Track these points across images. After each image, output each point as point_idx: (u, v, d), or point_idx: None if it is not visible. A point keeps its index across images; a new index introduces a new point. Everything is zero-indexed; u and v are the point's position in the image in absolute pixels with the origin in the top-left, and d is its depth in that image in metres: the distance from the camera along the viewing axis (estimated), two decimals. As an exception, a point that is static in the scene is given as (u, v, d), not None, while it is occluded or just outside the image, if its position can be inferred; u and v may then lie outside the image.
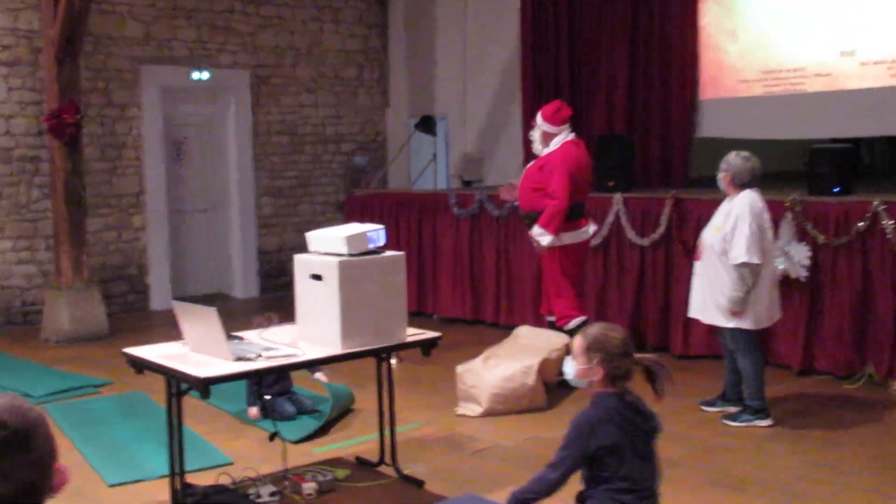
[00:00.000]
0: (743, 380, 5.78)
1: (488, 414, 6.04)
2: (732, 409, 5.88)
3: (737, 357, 5.80)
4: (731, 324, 5.67)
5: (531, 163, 6.83)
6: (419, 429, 5.87)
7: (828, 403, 6.20)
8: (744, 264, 5.53)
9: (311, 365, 5.06)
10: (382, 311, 4.60)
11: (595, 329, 3.35)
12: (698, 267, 5.91)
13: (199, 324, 4.36)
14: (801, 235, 6.75)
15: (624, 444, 3.18)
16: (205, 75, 10.54)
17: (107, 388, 7.05)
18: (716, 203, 7.14)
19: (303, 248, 4.85)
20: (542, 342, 6.50)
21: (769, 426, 5.70)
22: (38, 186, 9.56)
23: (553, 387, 6.42)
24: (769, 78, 8.45)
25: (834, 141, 7.74)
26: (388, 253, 4.73)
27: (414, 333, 4.83)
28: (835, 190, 6.96)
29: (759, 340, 5.93)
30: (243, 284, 11.14)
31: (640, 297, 7.81)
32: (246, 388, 6.04)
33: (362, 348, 4.56)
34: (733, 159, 5.75)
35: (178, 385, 4.30)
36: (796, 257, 6.72)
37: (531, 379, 6.11)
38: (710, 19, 8.86)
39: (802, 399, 6.32)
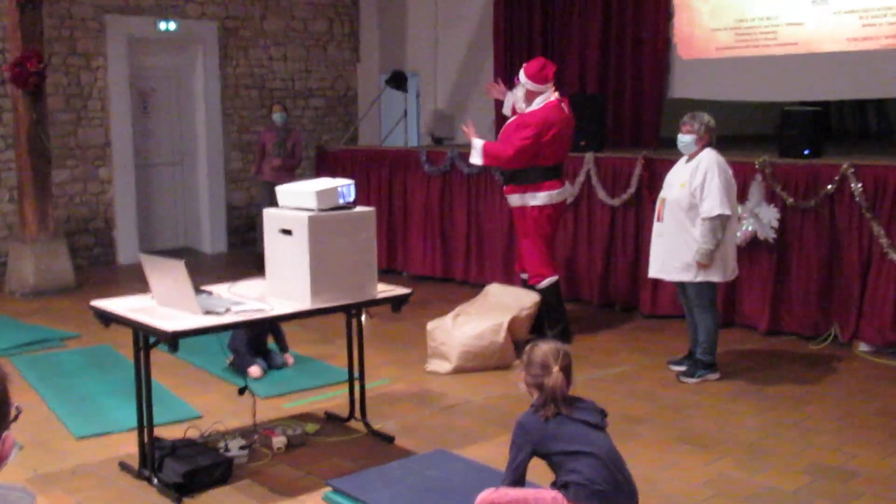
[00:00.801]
0: (700, 334, 5.83)
1: (458, 371, 6.04)
2: (683, 368, 5.94)
3: (696, 312, 5.85)
4: (699, 278, 5.71)
5: (509, 119, 6.68)
6: (389, 385, 5.86)
7: (794, 363, 6.26)
8: (717, 216, 5.56)
9: (280, 320, 5.02)
10: (352, 267, 4.56)
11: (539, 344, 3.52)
12: (657, 227, 5.92)
13: (167, 277, 4.29)
14: (770, 197, 6.78)
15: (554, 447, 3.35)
16: (172, 26, 10.33)
17: (73, 341, 6.97)
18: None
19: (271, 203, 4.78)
20: (511, 300, 6.50)
21: (718, 379, 5.82)
22: (1, 137, 9.36)
23: (522, 345, 6.41)
24: (741, 28, 8.40)
25: (804, 104, 7.75)
26: (359, 208, 4.68)
27: (384, 290, 4.79)
28: (805, 152, 6.98)
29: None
30: (211, 239, 11.03)
31: (609, 256, 7.83)
32: (231, 344, 5.96)
33: (332, 304, 4.52)
34: (707, 119, 5.77)
35: (145, 339, 4.24)
36: (765, 219, 6.75)
37: (501, 337, 6.11)
38: (684, -22, 8.80)
39: (768, 359, 6.38)
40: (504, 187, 6.80)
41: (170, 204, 10.95)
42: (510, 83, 9.94)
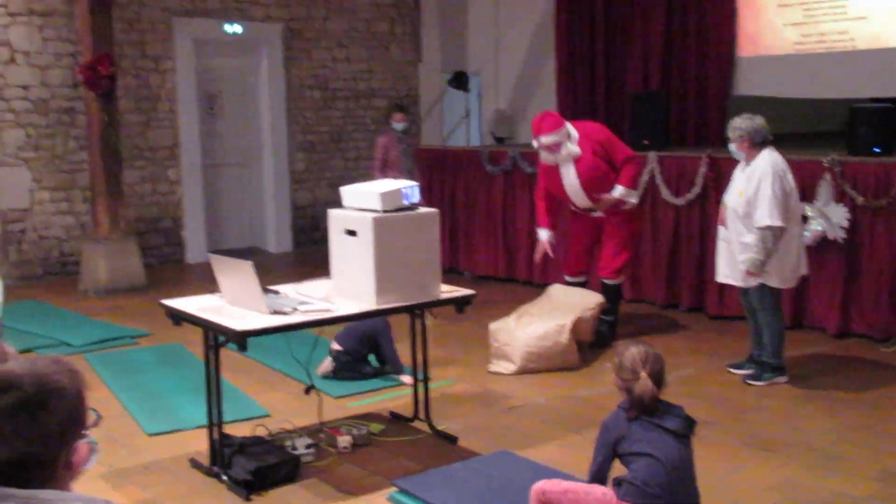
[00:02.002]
0: (765, 338, 5.75)
1: (521, 372, 6.03)
2: (751, 371, 5.84)
3: (759, 316, 5.76)
4: (756, 282, 5.62)
5: (566, 169, 6.49)
6: (452, 385, 5.87)
7: (864, 366, 6.12)
8: (767, 227, 5.45)
9: (345, 320, 5.05)
10: (416, 268, 4.58)
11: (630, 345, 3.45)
12: (722, 232, 5.84)
13: (236, 277, 4.36)
14: (840, 196, 6.63)
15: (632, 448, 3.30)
16: (237, 28, 10.48)
17: (145, 339, 7.12)
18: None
19: (336, 203, 4.83)
20: (575, 301, 6.47)
21: (786, 382, 5.72)
22: (74, 138, 9.60)
23: (586, 346, 6.40)
24: (808, 23, 8.21)
25: (873, 100, 7.57)
26: (422, 209, 4.70)
27: (448, 290, 4.81)
28: (875, 150, 6.82)
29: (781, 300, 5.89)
30: (277, 239, 11.16)
31: (674, 257, 7.73)
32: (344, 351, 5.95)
33: (397, 304, 4.55)
34: (740, 123, 5.67)
35: (215, 337, 4.31)
36: (834, 218, 6.61)
37: (564, 338, 6.09)
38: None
39: (838, 362, 6.24)
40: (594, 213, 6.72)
41: (236, 204, 11.10)
42: (571, 85, 9.94)
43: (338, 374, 5.88)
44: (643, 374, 3.26)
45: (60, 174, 9.56)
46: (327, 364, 5.92)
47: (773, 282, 5.62)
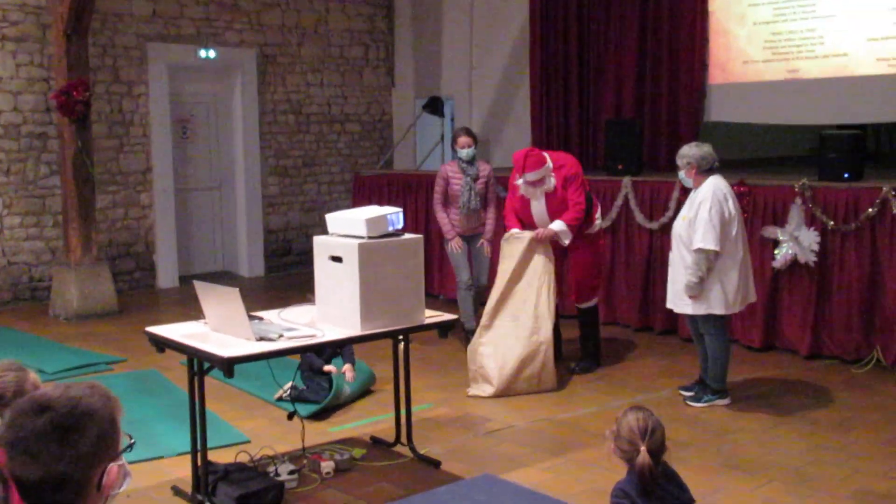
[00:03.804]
0: (709, 361, 5.89)
1: (500, 395, 6.10)
2: (692, 393, 5.98)
3: (706, 340, 5.90)
4: (699, 311, 5.76)
5: (536, 203, 6.53)
6: (433, 409, 5.93)
7: (836, 388, 6.26)
8: (699, 250, 5.60)
9: (334, 346, 5.10)
10: (401, 293, 4.65)
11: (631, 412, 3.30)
12: (670, 257, 5.98)
13: (221, 304, 4.40)
14: (811, 220, 6.80)
15: None
16: (212, 54, 10.52)
17: (119, 365, 7.10)
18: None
19: (308, 227, 4.89)
20: (535, 266, 6.40)
21: (728, 404, 5.85)
22: (45, 163, 9.57)
23: (565, 369, 6.51)
24: (777, 51, 8.42)
25: (841, 127, 7.77)
26: (407, 235, 4.77)
27: (431, 315, 4.88)
28: (845, 176, 6.99)
29: (728, 324, 6.00)
30: (249, 263, 11.17)
31: (648, 280, 7.86)
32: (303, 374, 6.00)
33: (382, 329, 4.61)
34: (687, 151, 5.82)
35: (200, 364, 4.34)
36: (805, 242, 6.77)
37: (540, 360, 6.17)
38: (719, 4, 8.86)
39: (811, 384, 6.38)
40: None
41: (209, 228, 11.12)
42: (545, 110, 10.06)
43: (299, 395, 5.88)
44: (642, 448, 3.09)
45: (31, 199, 9.53)
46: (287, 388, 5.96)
47: (717, 308, 5.73)
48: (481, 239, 7.32)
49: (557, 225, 6.42)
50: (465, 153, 7.24)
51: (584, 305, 6.81)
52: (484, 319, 6.33)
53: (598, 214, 6.79)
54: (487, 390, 6.15)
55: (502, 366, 6.13)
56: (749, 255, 5.89)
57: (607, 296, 8.00)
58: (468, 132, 7.35)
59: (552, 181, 6.44)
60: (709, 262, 5.63)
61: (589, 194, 6.62)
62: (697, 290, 5.70)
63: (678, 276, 5.84)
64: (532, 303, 6.25)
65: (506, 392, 6.11)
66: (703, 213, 5.62)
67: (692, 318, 5.95)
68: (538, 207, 6.54)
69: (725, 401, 5.90)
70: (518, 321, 6.25)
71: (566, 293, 7.08)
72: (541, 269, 6.31)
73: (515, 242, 6.38)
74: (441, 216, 7.38)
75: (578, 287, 6.77)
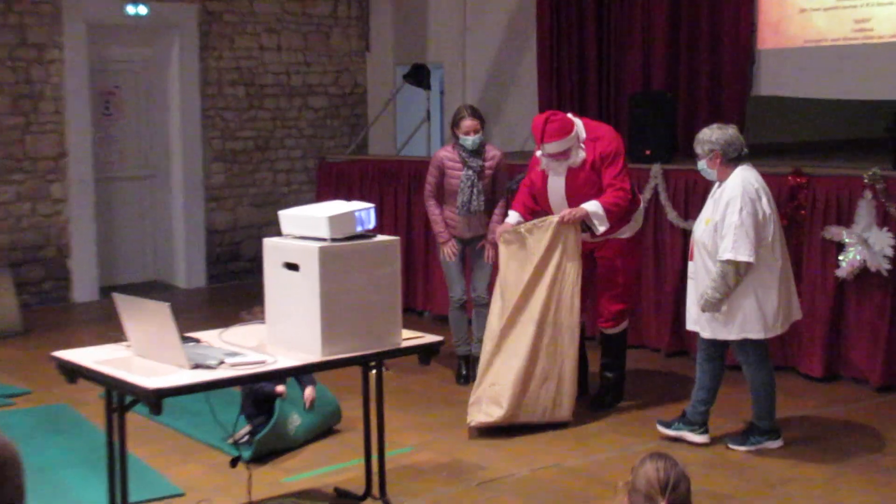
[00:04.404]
0: (752, 397, 5.91)
1: (508, 420, 6.14)
2: (672, 433, 6.00)
3: (744, 371, 5.91)
4: (732, 335, 5.74)
5: (555, 180, 6.52)
6: (412, 454, 5.91)
7: (914, 427, 6.28)
8: (728, 261, 5.57)
9: (285, 375, 5.08)
10: (372, 310, 4.64)
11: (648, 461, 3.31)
12: (690, 268, 5.98)
13: (148, 322, 4.39)
14: (883, 219, 6.81)
15: None
16: (142, 10, 10.52)
17: (22, 398, 7.07)
18: (776, 177, 7.23)
19: (262, 227, 4.89)
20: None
21: (780, 447, 5.85)
22: (-67, 146, 9.57)
23: (582, 404, 6.54)
24: (843, 9, 8.44)
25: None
26: (381, 237, 4.77)
27: (409, 337, 4.87)
28: (926, 163, 7.02)
29: (768, 350, 5.98)
30: (187, 272, 11.15)
31: (681, 294, 7.83)
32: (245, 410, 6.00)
33: (347, 354, 4.60)
34: (708, 135, 5.76)
35: (120, 398, 4.32)
36: (876, 246, 6.78)
37: (558, 379, 6.25)
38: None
39: (883, 421, 6.38)
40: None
41: (137, 228, 11.10)
42: (555, 82, 10.06)
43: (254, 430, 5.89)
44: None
45: (-85, 191, 9.52)
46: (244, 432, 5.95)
47: (754, 332, 5.71)
48: (483, 240, 7.17)
49: (592, 205, 6.31)
50: (470, 141, 7.00)
51: (612, 331, 6.79)
52: (493, 326, 6.32)
53: (637, 214, 6.74)
54: (495, 413, 6.17)
55: (516, 383, 6.17)
56: (789, 262, 5.87)
57: (633, 313, 7.99)
58: (474, 113, 7.10)
59: (581, 154, 6.36)
60: (738, 275, 5.60)
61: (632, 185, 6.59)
62: (716, 309, 5.67)
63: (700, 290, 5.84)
64: (553, 308, 6.27)
65: (515, 417, 6.17)
66: (733, 215, 5.57)
67: (707, 340, 5.90)
68: (556, 186, 6.47)
69: (777, 443, 5.91)
70: (537, 329, 6.26)
71: (590, 313, 7.03)
72: (567, 266, 6.31)
73: (537, 232, 6.30)
74: (433, 213, 7.24)
75: (606, 307, 6.75)
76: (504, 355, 6.28)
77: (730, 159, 5.73)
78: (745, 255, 5.55)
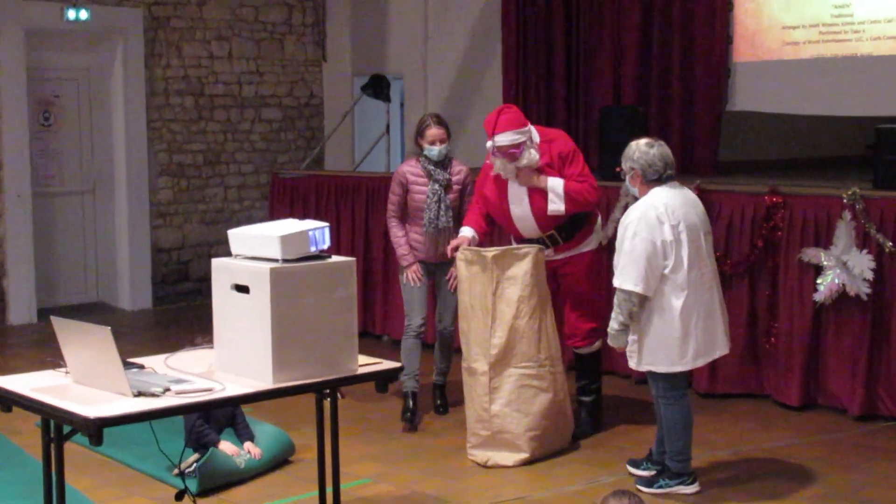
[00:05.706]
0: (665, 434, 5.83)
1: (530, 459, 6.21)
2: (645, 473, 5.95)
3: (654, 405, 5.91)
4: (642, 366, 5.74)
5: (516, 193, 6.53)
6: (370, 486, 5.91)
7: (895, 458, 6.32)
8: (619, 290, 5.56)
9: (233, 403, 5.08)
10: (327, 334, 4.64)
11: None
12: None
13: (87, 347, 4.37)
14: (863, 241, 6.88)
15: None
16: (83, 14, 10.47)
17: (-48, 428, 7.01)
18: (751, 197, 7.30)
19: (211, 245, 4.88)
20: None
21: (696, 493, 5.72)
22: None
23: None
24: (823, 22, 8.49)
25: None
26: (335, 258, 4.78)
27: (366, 363, 4.87)
28: (907, 183, 7.10)
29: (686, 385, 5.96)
30: (132, 292, 11.09)
31: (654, 317, 7.89)
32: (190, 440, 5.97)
33: (300, 381, 4.60)
34: (633, 151, 5.72)
35: (58, 428, 4.30)
36: (856, 269, 6.84)
37: (560, 407, 6.36)
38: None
39: (862, 452, 6.43)
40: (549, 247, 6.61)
41: (78, 246, 11.05)
42: (520, 94, 10.10)
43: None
44: None
45: None
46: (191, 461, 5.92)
47: (661, 364, 5.66)
48: (451, 268, 6.91)
49: (554, 181, 6.34)
50: (435, 151, 6.95)
51: (585, 350, 6.81)
52: (484, 365, 6.24)
53: (598, 225, 6.81)
54: (518, 458, 6.20)
55: (529, 428, 6.21)
56: (714, 293, 5.69)
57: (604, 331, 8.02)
58: (440, 121, 7.08)
59: (534, 155, 6.35)
60: (632, 304, 5.53)
61: None
62: (622, 341, 5.66)
63: None
64: (543, 343, 6.30)
65: (534, 457, 6.22)
66: (626, 241, 5.54)
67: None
68: (518, 199, 6.45)
69: (691, 488, 5.72)
70: (532, 362, 6.27)
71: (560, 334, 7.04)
72: (545, 295, 6.35)
73: (510, 259, 6.23)
74: (396, 235, 7.11)
75: (578, 326, 6.77)
76: (501, 402, 6.21)
77: (648, 180, 5.66)
78: (630, 284, 5.49)
